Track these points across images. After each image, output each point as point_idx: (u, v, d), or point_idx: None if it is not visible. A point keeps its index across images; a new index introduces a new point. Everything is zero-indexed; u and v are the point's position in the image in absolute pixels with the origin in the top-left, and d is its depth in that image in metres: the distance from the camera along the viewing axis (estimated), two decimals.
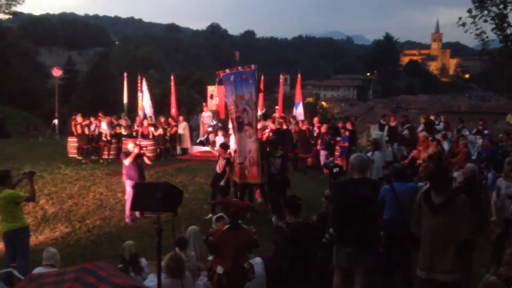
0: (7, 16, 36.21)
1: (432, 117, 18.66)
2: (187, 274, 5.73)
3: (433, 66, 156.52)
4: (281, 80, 20.76)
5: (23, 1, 33.36)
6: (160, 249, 5.22)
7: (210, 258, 5.67)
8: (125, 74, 23.46)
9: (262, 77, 20.23)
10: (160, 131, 19.17)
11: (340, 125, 17.63)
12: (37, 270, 6.28)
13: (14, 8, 33.28)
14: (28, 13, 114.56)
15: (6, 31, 58.24)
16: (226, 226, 5.67)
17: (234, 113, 11.24)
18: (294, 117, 18.95)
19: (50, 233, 10.57)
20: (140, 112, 21.70)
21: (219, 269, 5.41)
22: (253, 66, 10.62)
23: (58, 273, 2.89)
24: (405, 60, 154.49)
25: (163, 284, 5.30)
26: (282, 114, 19.98)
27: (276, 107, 20.99)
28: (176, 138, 20.05)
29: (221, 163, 11.10)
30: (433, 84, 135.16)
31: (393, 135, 16.42)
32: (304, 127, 16.70)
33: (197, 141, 20.10)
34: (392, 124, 16.90)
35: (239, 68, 11.34)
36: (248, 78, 10.60)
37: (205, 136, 19.03)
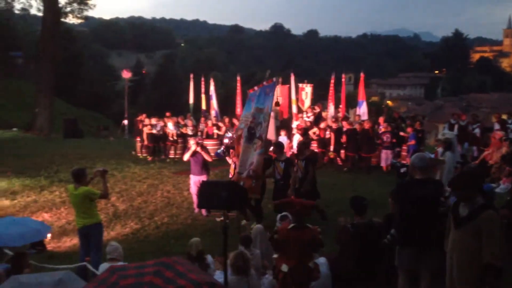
0: (79, 21, 37.82)
1: (504, 116, 17.80)
2: (252, 272, 5.79)
3: (506, 63, 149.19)
4: (343, 79, 20.48)
5: (94, 5, 34.72)
6: (226, 246, 5.30)
7: (275, 256, 5.71)
8: (191, 76, 23.98)
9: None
10: (224, 130, 19.46)
11: (408, 123, 17.19)
12: (103, 265, 6.54)
13: (85, 13, 34.73)
14: (99, 17, 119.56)
15: (79, 35, 60.97)
16: (291, 225, 5.69)
17: (249, 123, 11.22)
18: (359, 117, 18.66)
19: (121, 229, 10.99)
20: (213, 112, 22.06)
21: (284, 267, 5.43)
22: (274, 79, 10.79)
23: (138, 266, 3.00)
24: (475, 57, 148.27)
25: (229, 281, 5.38)
26: (346, 114, 19.74)
27: (340, 106, 20.75)
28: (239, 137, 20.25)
29: (279, 168, 10.64)
30: (505, 82, 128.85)
31: (463, 134, 15.84)
32: (367, 126, 16.42)
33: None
34: (463, 123, 16.31)
35: (265, 83, 11.31)
36: (271, 92, 10.60)
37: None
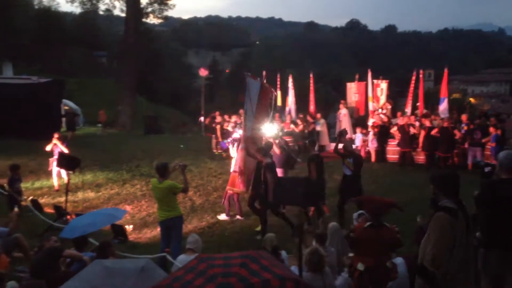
0: (159, 21, 39.19)
1: None
2: (327, 270, 5.75)
3: None
4: (421, 76, 19.78)
5: (174, 5, 35.81)
6: (301, 243, 5.32)
7: (351, 254, 5.65)
8: (264, 73, 24.12)
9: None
10: (300, 127, 19.45)
11: (492, 121, 16.36)
12: (181, 257, 6.74)
13: (165, 13, 35.92)
14: (178, 17, 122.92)
15: (159, 34, 63.08)
16: (368, 224, 5.59)
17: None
18: (438, 114, 17.99)
19: (198, 222, 11.27)
20: (287, 109, 22.12)
21: (360, 266, 5.36)
22: (258, 78, 11.33)
23: (225, 257, 3.07)
24: None
25: (304, 278, 5.38)
26: (425, 111, 19.10)
27: (417, 104, 20.09)
28: (314, 135, 20.18)
29: (348, 164, 10.29)
30: None
31: None
32: (446, 124, 15.81)
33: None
34: None
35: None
36: (252, 90, 10.94)
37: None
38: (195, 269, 2.92)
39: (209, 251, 8.02)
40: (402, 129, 16.66)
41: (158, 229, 9.31)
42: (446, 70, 19.41)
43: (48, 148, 14.03)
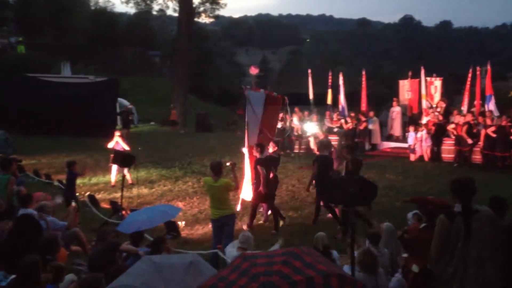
0: (211, 20, 39.66)
1: None
2: (380, 271, 5.67)
3: None
4: (478, 73, 19.13)
5: (225, 5, 36.13)
6: (353, 242, 5.26)
7: (405, 255, 5.54)
8: (309, 71, 23.94)
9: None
10: (349, 125, 19.23)
11: None
12: (231, 251, 6.81)
13: (217, 12, 36.29)
14: (229, 15, 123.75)
15: (210, 33, 63.80)
16: (423, 225, 5.48)
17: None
18: (490, 113, 17.35)
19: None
20: (340, 107, 21.93)
21: (415, 268, 5.25)
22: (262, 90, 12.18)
23: (268, 255, 3.08)
24: None
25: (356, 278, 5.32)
26: (482, 109, 18.49)
27: (474, 102, 19.44)
28: (365, 133, 19.90)
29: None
30: None
31: None
32: (503, 123, 15.25)
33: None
34: None
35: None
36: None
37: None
38: (238, 268, 2.94)
39: (260, 249, 8.04)
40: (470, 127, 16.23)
41: (210, 225, 9.44)
42: (489, 68, 18.98)
43: (111, 145, 14.56)
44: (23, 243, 6.34)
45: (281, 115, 20.19)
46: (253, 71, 32.17)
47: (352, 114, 20.42)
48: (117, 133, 14.83)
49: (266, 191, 10.18)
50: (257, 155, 10.50)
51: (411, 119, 19.98)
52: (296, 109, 20.97)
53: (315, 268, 2.88)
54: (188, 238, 10.19)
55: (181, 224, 10.77)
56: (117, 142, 14.44)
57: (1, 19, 35.17)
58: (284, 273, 2.81)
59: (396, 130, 20.69)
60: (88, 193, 13.00)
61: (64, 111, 22.35)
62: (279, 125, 19.73)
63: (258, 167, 10.27)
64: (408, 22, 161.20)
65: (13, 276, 5.38)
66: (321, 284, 2.80)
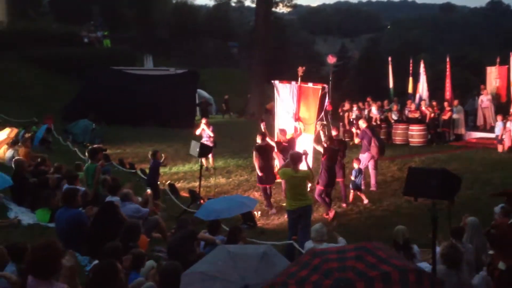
0: (289, 9, 39.59)
1: None
2: (463, 267, 5.39)
3: None
4: None
5: None
6: (435, 237, 5.04)
7: (491, 252, 5.22)
8: (389, 59, 23.22)
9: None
10: (431, 114, 18.53)
11: None
12: (308, 244, 6.75)
13: (294, 1, 36.21)
14: (306, 4, 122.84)
15: (288, 23, 63.59)
16: None
17: None
18: None
19: (324, 211, 11.19)
20: (418, 96, 21.18)
21: (501, 265, 4.91)
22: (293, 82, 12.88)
23: (339, 250, 2.99)
24: None
25: (438, 272, 5.10)
26: None
27: None
28: (449, 123, 19.05)
29: None
30: None
31: None
32: None
33: None
34: None
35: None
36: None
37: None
38: (309, 264, 2.86)
39: (334, 241, 7.92)
40: None
41: (285, 216, 9.43)
42: None
43: (198, 132, 15.31)
44: (106, 230, 6.63)
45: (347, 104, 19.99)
46: (331, 60, 31.69)
47: (434, 103, 19.63)
48: (203, 120, 15.63)
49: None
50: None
51: (499, 108, 18.87)
52: (368, 99, 20.61)
53: (390, 263, 2.75)
54: (264, 228, 10.24)
55: (257, 214, 10.85)
56: (203, 129, 15.11)
57: (89, 14, 37.00)
58: (359, 269, 2.72)
59: (488, 120, 19.48)
60: (168, 182, 13.40)
61: (147, 102, 23.18)
62: (353, 114, 19.43)
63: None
64: (496, 6, 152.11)
65: (96, 261, 5.64)
66: (398, 279, 2.68)
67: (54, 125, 18.68)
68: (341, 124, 20.02)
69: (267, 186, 11.41)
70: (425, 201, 5.80)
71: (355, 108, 19.83)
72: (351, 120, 19.41)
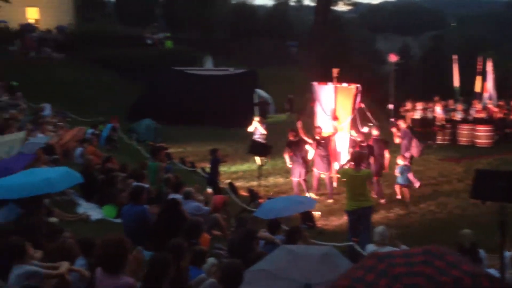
0: (348, 7, 39.11)
1: None
2: None
3: None
4: None
5: None
6: (504, 242, 4.86)
7: None
8: (454, 57, 22.44)
9: None
10: (499, 114, 17.83)
11: None
12: (370, 246, 6.65)
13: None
14: (367, 2, 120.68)
15: (347, 21, 62.78)
16: None
17: None
18: None
19: (386, 213, 11.02)
20: (485, 95, 20.39)
21: None
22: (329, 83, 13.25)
23: (404, 254, 2.92)
24: None
25: (508, 280, 4.91)
26: None
27: None
28: None
29: None
30: None
31: None
32: None
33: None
34: None
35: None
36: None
37: None
38: (374, 268, 2.79)
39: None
40: None
41: (345, 217, 9.34)
42: None
43: (251, 129, 15.47)
44: (169, 226, 6.80)
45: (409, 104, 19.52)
46: (393, 58, 31.05)
47: (501, 103, 18.85)
48: (256, 118, 15.76)
49: None
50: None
51: None
52: (435, 98, 19.99)
53: (460, 268, 2.67)
54: (324, 229, 10.19)
55: (317, 214, 10.80)
56: (256, 127, 15.18)
57: (152, 16, 38.01)
58: (428, 274, 2.64)
59: None
60: (228, 180, 13.57)
61: (207, 102, 23.54)
62: (418, 115, 18.96)
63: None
64: None
65: None
66: (470, 284, 2.60)
67: (119, 125, 19.28)
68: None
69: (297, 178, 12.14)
70: (493, 204, 5.61)
71: (419, 107, 19.34)
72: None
